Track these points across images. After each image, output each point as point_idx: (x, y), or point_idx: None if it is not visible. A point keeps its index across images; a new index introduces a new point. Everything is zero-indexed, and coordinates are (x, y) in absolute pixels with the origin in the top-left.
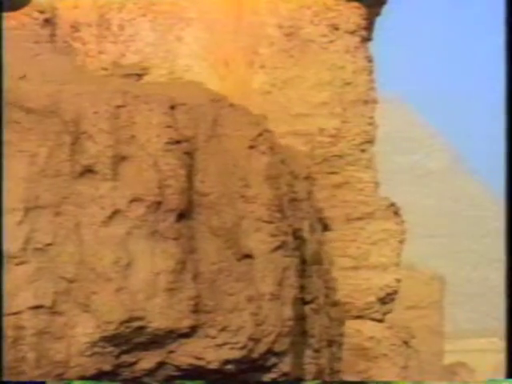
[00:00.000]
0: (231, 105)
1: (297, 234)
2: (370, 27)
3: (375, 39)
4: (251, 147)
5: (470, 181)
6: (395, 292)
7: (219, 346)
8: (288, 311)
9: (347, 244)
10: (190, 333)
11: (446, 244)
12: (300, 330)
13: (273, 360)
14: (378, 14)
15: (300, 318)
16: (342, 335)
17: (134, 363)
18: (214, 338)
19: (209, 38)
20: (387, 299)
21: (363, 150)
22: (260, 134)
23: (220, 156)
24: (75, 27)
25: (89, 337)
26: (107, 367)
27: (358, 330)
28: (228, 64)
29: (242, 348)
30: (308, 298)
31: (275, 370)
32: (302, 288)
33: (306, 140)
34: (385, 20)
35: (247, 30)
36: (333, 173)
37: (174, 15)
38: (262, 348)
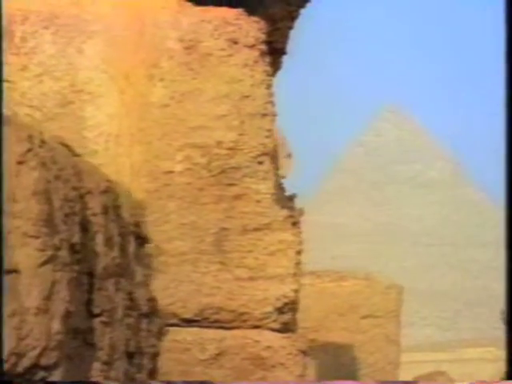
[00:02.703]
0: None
1: (76, 248)
2: (283, 40)
3: (374, 43)
4: (20, 163)
5: (472, 189)
6: (293, 302)
7: None
8: (56, 325)
9: (244, 255)
10: None
11: (447, 253)
12: (85, 343)
13: (41, 374)
14: (290, 27)
15: (85, 331)
16: (155, 346)
17: None
18: None
19: (110, 51)
20: (285, 309)
21: (260, 162)
22: (29, 150)
23: None
24: None
25: None
26: None
27: (255, 340)
28: (128, 77)
29: (4, 362)
30: (96, 311)
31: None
32: (89, 301)
33: (204, 152)
34: (385, 24)
35: (148, 44)
36: (230, 184)
37: (76, 28)
38: (26, 362)
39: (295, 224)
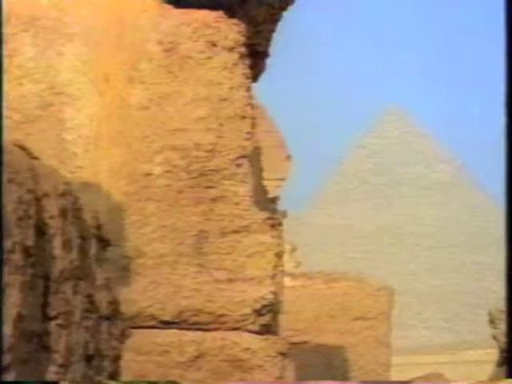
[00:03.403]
0: None
1: (30, 251)
2: (265, 43)
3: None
4: None
5: (474, 191)
6: (272, 304)
7: None
8: (8, 328)
9: (223, 257)
10: None
11: (449, 255)
12: (40, 346)
13: None
14: (272, 30)
15: (41, 335)
16: (116, 349)
17: None
18: None
19: (90, 53)
20: (263, 311)
21: (239, 165)
22: None
23: None
24: None
25: None
26: None
27: (234, 342)
28: (108, 80)
29: None
30: (52, 313)
31: None
32: (45, 304)
33: (183, 155)
34: (388, 25)
35: (128, 46)
36: (209, 187)
37: (55, 30)
38: None
39: (274, 226)
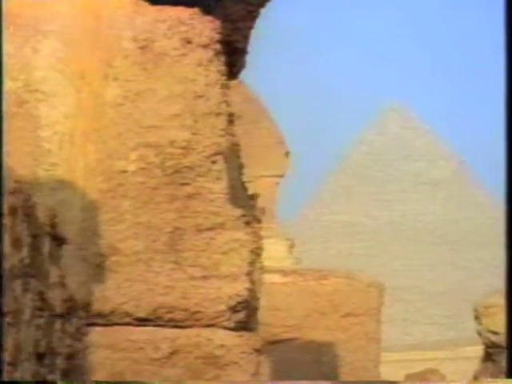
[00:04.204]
0: None
1: None
2: (244, 40)
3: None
4: None
5: (476, 188)
6: (246, 301)
7: None
8: None
9: (198, 254)
10: None
11: (450, 251)
12: None
13: None
14: (250, 27)
15: None
16: (71, 346)
17: None
18: None
19: (66, 50)
20: (238, 308)
21: (214, 162)
22: None
23: None
24: None
25: None
26: None
27: (208, 339)
28: (84, 76)
29: None
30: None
31: None
32: None
33: (157, 152)
34: (388, 21)
35: (104, 43)
36: (184, 184)
37: (32, 27)
38: None
39: (249, 223)
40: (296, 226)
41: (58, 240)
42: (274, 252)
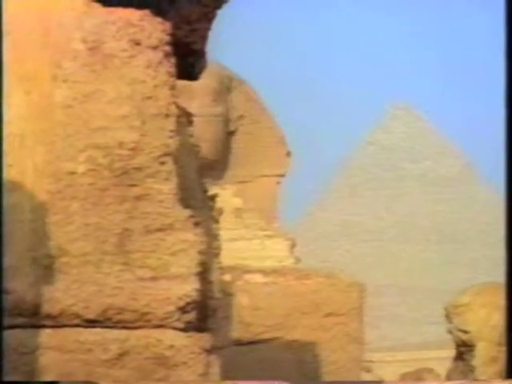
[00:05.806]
0: None
1: None
2: (201, 41)
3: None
4: None
5: (482, 187)
6: (195, 301)
7: None
8: None
9: (147, 255)
10: None
11: (457, 250)
12: None
13: None
14: (207, 28)
15: None
16: None
17: None
18: None
19: (15, 51)
20: (188, 308)
21: (163, 163)
22: None
23: None
24: None
25: None
26: None
27: (158, 340)
28: (34, 78)
29: None
30: None
31: None
32: None
33: (106, 153)
34: (395, 21)
35: (53, 44)
36: (133, 185)
37: None
38: None
39: (198, 224)
40: (302, 225)
41: None
42: (275, 251)
